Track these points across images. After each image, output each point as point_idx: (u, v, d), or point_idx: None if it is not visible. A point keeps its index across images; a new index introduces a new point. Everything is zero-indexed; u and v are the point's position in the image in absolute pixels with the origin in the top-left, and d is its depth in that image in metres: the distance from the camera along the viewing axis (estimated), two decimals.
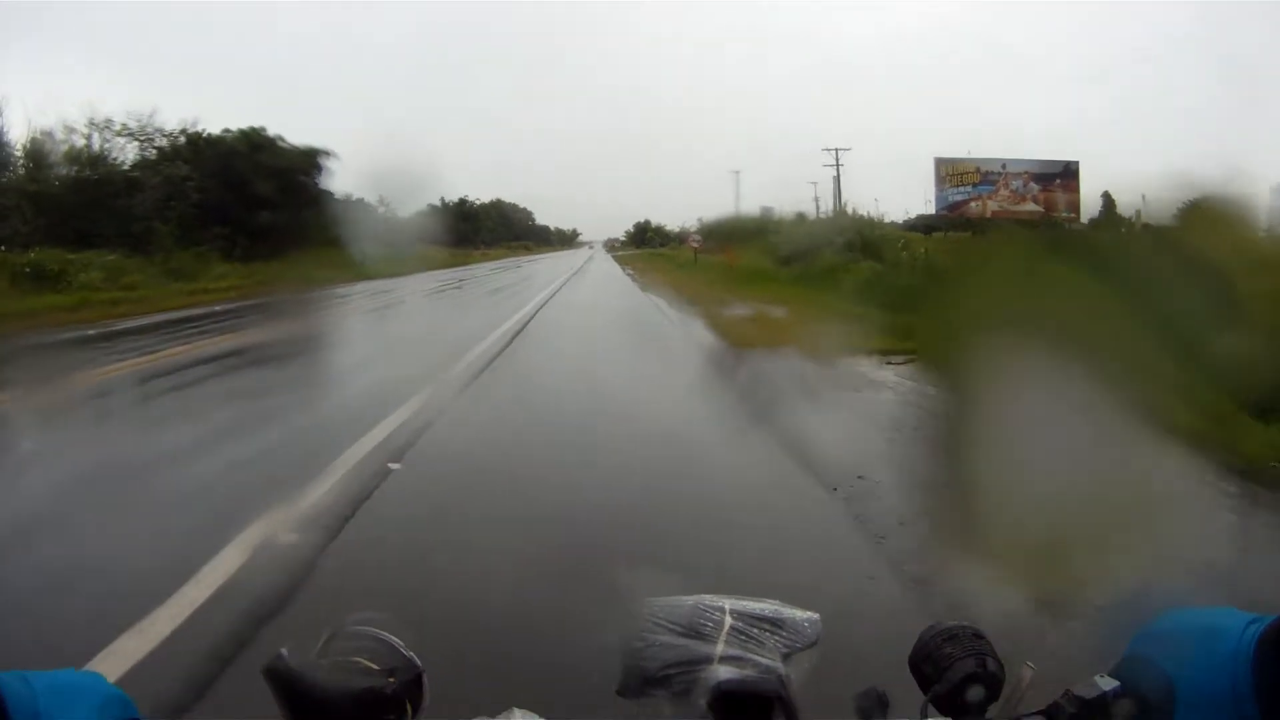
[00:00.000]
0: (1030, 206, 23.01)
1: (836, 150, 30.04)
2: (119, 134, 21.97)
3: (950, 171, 23.73)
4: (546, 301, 15.27)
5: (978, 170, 23.41)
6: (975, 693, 0.60)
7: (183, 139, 23.08)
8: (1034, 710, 0.58)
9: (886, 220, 23.99)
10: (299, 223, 21.04)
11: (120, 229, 19.19)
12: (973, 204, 23.39)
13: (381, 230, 22.64)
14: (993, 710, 0.60)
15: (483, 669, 1.93)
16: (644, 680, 0.65)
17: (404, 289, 18.79)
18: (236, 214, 21.44)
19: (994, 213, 23.13)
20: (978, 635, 0.63)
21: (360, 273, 18.28)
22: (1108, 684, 0.56)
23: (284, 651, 0.57)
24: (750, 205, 39.33)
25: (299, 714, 0.56)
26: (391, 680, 0.59)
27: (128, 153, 22.32)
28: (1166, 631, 0.57)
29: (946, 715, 0.61)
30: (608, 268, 35.11)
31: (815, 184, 37.01)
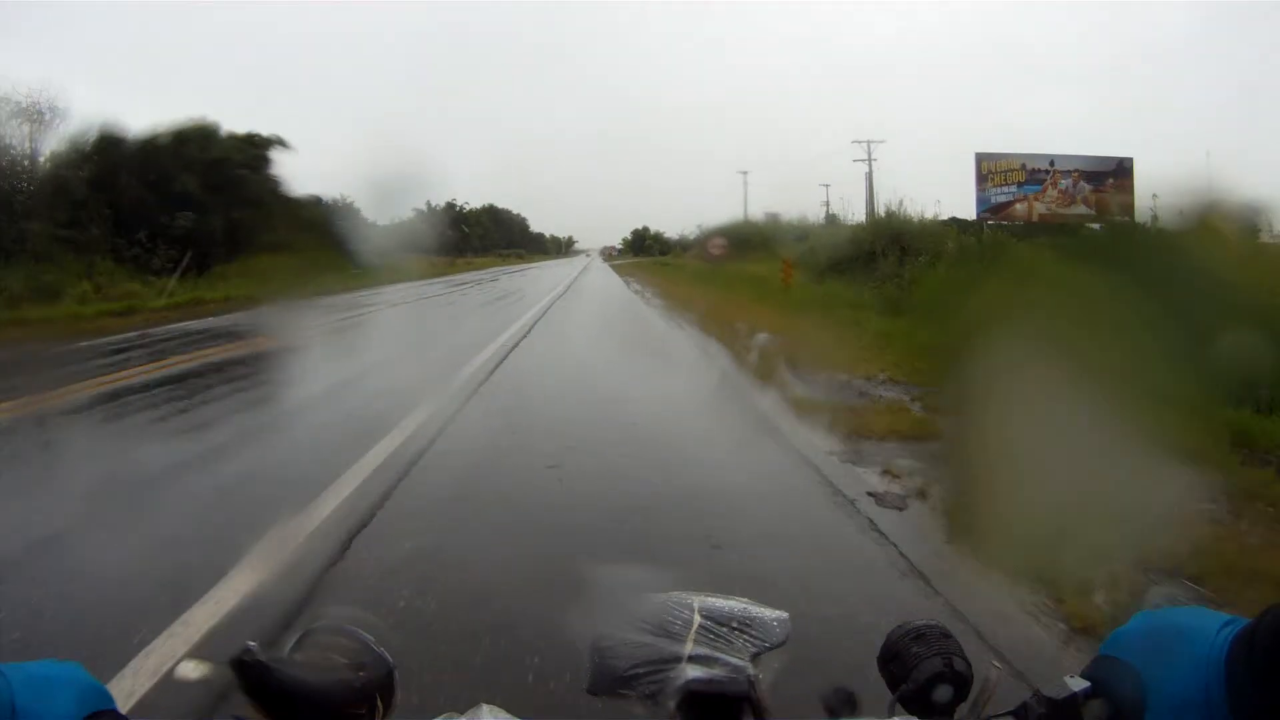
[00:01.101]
0: (1081, 209, 22.14)
1: (868, 143, 27.30)
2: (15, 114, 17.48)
3: (992, 169, 22.68)
4: (490, 375, 7.32)
5: (1023, 167, 22.44)
6: (943, 692, 0.61)
7: (90, 137, 18.61)
8: (1003, 711, 0.59)
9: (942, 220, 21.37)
10: (235, 226, 18.33)
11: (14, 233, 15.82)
12: (1018, 205, 22.54)
13: (352, 236, 19.75)
14: (961, 710, 0.61)
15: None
16: (613, 679, 0.67)
17: (300, 327, 11.49)
18: (156, 217, 17.98)
19: (1041, 216, 22.21)
20: (945, 635, 0.64)
21: (278, 291, 13.57)
22: (1078, 684, 0.57)
23: (252, 645, 0.59)
24: (750, 211, 37.72)
25: (266, 707, 0.59)
26: (361, 675, 0.62)
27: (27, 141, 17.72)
28: (1139, 632, 0.58)
29: (914, 714, 0.62)
30: (608, 282, 28.86)
31: (827, 186, 35.90)
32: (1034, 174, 22.76)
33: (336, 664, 0.62)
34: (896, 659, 0.64)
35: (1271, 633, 0.50)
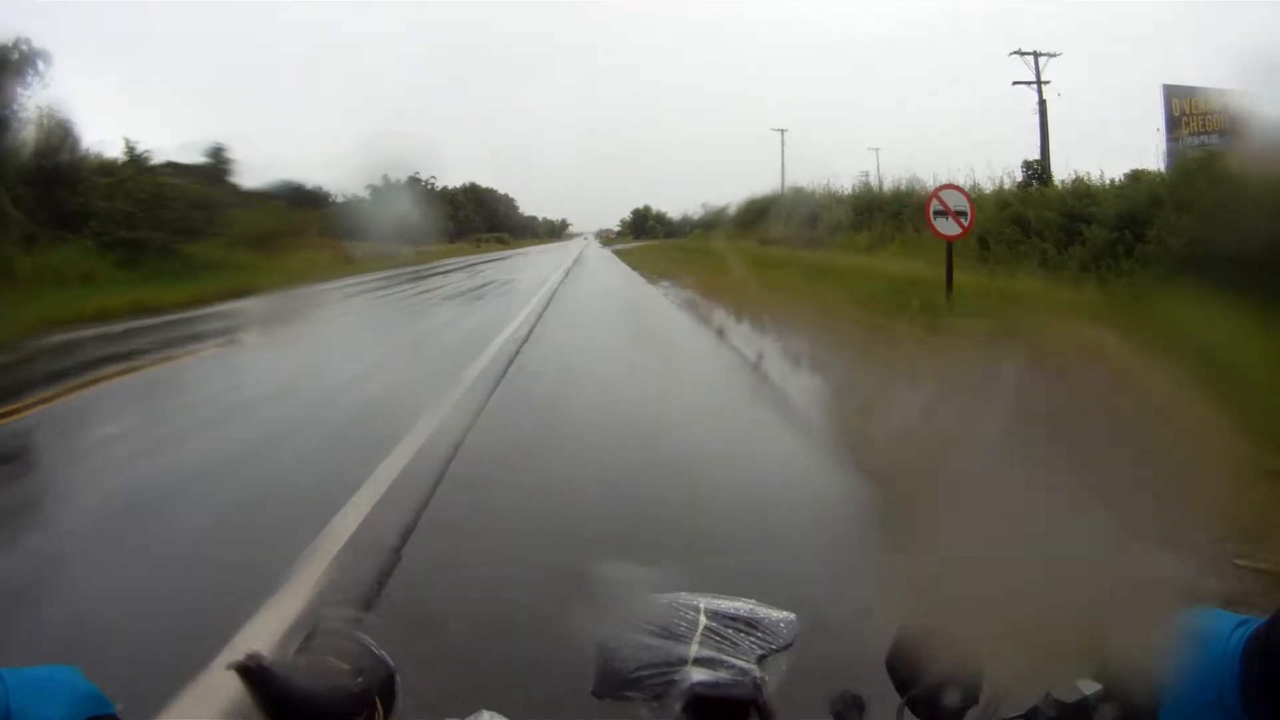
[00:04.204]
0: None
1: (1036, 55, 18.76)
2: None
3: (1188, 110, 17.89)
4: None
5: (1226, 109, 18.70)
6: (952, 696, 0.62)
7: None
8: (1014, 714, 0.60)
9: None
10: None
11: None
12: None
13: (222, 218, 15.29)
14: (971, 715, 0.63)
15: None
16: (618, 681, 0.73)
17: None
18: None
19: None
20: (955, 638, 0.65)
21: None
22: (1090, 687, 0.58)
23: (257, 651, 0.66)
24: (745, 188, 32.75)
25: (270, 711, 0.66)
26: (360, 679, 0.69)
27: None
28: None
29: (923, 719, 0.63)
30: (627, 289, 18.11)
31: (877, 150, 31.40)
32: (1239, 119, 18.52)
33: (336, 669, 0.69)
34: (905, 662, 0.66)
35: None
